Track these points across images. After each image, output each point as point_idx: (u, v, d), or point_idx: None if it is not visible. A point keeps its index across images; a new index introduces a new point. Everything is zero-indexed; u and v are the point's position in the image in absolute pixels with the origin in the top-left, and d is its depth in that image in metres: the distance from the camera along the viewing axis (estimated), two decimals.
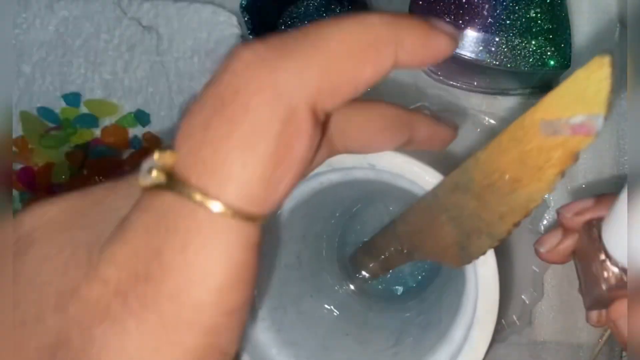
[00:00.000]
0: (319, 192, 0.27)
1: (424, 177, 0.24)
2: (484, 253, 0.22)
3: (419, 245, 0.25)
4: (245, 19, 0.34)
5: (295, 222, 0.29)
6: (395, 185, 0.26)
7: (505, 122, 0.37)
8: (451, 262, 0.23)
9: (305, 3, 0.37)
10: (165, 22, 0.37)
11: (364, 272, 0.33)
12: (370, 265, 0.31)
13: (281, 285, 0.29)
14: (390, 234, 0.27)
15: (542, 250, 0.27)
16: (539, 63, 0.33)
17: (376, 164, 0.24)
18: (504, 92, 0.37)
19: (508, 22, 0.33)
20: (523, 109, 0.37)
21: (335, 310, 0.33)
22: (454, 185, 0.22)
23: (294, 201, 0.28)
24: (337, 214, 0.34)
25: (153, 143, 0.36)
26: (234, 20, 0.37)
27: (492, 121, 0.37)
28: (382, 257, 0.28)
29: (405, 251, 0.26)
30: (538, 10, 0.33)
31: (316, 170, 0.23)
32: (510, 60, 0.33)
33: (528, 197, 0.19)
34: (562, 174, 0.18)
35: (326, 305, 0.33)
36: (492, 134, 0.37)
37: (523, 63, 0.33)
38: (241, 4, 0.34)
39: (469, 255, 0.22)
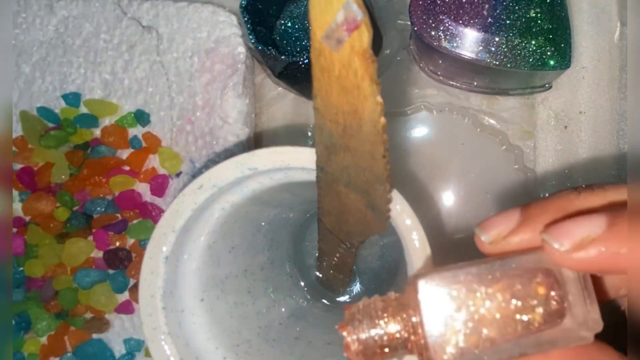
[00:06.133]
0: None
1: (306, 158, 0.24)
2: (389, 201, 0.22)
3: (348, 228, 0.25)
4: (245, 18, 0.34)
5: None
6: (301, 180, 0.26)
7: (506, 122, 0.37)
8: (376, 228, 0.23)
9: (305, 3, 0.37)
10: (165, 22, 0.37)
11: (338, 288, 0.34)
12: (337, 277, 0.32)
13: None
14: (324, 233, 0.27)
15: (483, 238, 0.20)
16: (539, 63, 0.33)
17: (257, 166, 0.25)
18: (504, 92, 0.37)
19: (508, 22, 0.33)
20: (523, 109, 0.37)
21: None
22: (324, 149, 0.21)
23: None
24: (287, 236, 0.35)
25: (153, 143, 0.36)
26: (233, 19, 0.37)
27: (492, 121, 0.37)
28: (335, 260, 0.29)
29: (347, 243, 0.26)
30: (538, 10, 0.33)
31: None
32: (510, 60, 0.33)
33: (372, 121, 0.18)
34: (375, 81, 0.17)
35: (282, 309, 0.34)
36: (491, 132, 0.37)
37: (523, 63, 0.33)
38: (241, 4, 0.34)
39: (381, 211, 0.22)
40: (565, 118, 0.37)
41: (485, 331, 0.17)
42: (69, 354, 0.36)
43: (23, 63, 0.38)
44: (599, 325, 0.17)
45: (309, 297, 0.36)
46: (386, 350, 0.18)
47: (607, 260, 0.17)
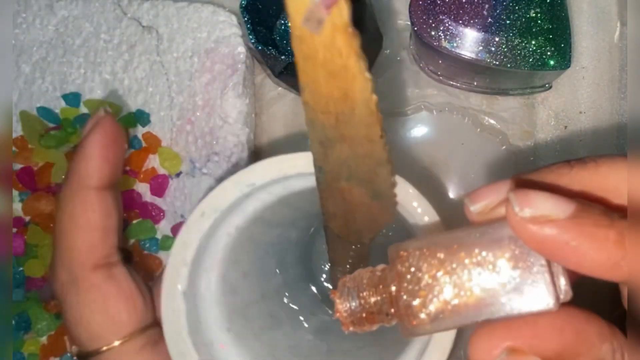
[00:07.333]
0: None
1: (303, 163, 0.24)
2: (393, 185, 0.21)
3: (356, 227, 0.25)
4: (245, 18, 0.34)
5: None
6: (300, 189, 0.26)
7: (506, 122, 0.37)
8: (385, 219, 0.23)
9: None
10: (165, 22, 0.37)
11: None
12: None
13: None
14: (333, 241, 0.26)
15: (471, 208, 0.20)
16: (539, 63, 0.33)
17: (255, 181, 0.25)
18: (504, 92, 0.37)
19: (508, 22, 0.33)
20: (523, 109, 0.37)
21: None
22: (320, 146, 0.21)
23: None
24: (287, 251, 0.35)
25: (153, 143, 0.36)
26: (233, 20, 0.37)
27: (492, 121, 0.37)
28: (348, 267, 0.28)
29: (358, 245, 0.26)
30: (538, 10, 0.33)
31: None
32: (510, 60, 0.33)
33: (364, 101, 0.18)
34: (361, 56, 0.17)
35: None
36: (491, 132, 0.37)
37: (523, 63, 0.33)
38: (241, 4, 0.34)
39: (387, 197, 0.22)
40: (565, 118, 0.37)
41: (449, 298, 0.18)
42: (69, 354, 0.36)
43: (23, 63, 0.38)
44: (566, 295, 0.18)
45: (330, 312, 0.36)
46: (370, 316, 0.19)
47: (557, 246, 0.16)
